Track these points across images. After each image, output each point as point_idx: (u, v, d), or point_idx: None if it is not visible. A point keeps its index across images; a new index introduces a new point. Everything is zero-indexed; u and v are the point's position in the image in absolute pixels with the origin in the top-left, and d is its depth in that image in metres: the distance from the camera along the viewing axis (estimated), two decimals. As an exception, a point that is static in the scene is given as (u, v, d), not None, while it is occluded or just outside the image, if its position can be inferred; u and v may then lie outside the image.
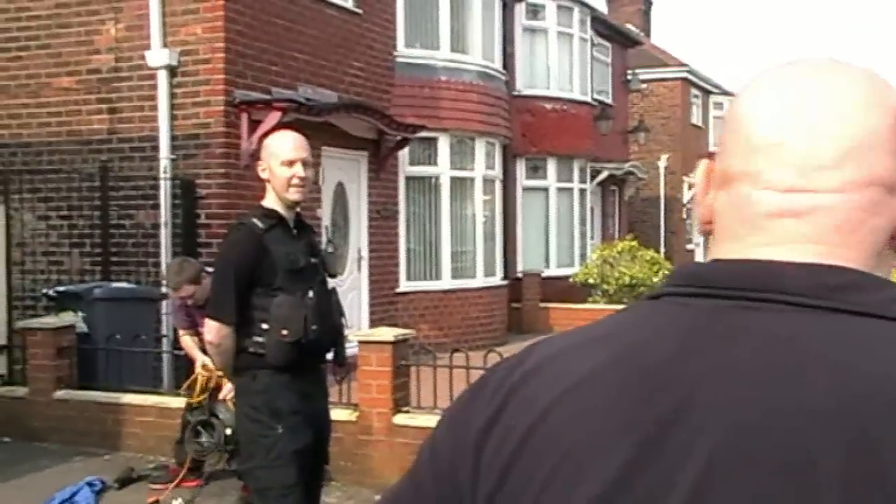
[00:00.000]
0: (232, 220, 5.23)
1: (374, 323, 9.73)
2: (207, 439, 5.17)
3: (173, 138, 8.23)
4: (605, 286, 13.19)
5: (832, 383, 0.62)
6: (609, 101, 17.30)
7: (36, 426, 6.58)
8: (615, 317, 0.76)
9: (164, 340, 7.43)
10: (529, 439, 0.68)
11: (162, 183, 8.12)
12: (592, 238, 16.37)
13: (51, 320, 6.82)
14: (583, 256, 14.96)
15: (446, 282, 11.42)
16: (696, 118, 23.85)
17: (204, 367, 5.08)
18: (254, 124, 8.25)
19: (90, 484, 5.35)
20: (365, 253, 10.27)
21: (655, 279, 12.90)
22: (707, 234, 0.76)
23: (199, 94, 8.19)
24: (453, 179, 11.56)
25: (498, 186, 12.61)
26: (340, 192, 10.00)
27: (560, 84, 14.56)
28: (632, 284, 12.91)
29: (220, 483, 5.45)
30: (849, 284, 0.67)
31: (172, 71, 8.22)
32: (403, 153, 10.76)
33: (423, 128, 10.50)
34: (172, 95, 8.23)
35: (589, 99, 15.45)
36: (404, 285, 10.92)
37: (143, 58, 8.29)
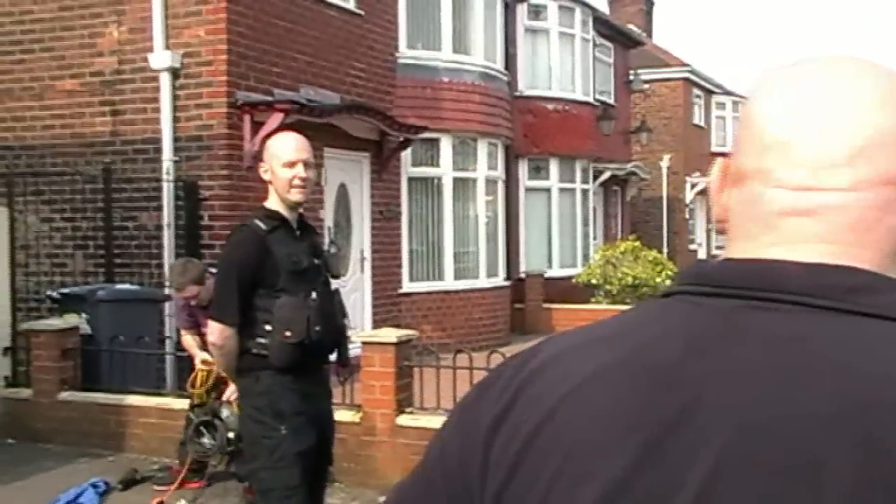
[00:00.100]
0: (235, 222, 5.24)
1: (377, 324, 9.73)
2: (209, 440, 5.18)
3: (176, 140, 8.24)
4: (607, 287, 13.19)
5: (840, 386, 0.61)
6: (611, 101, 17.30)
7: (40, 427, 6.60)
8: (625, 315, 0.75)
9: (168, 342, 7.44)
10: (536, 438, 0.68)
11: (165, 185, 8.14)
12: (595, 238, 16.36)
13: (55, 322, 6.83)
14: (585, 257, 14.95)
15: (449, 282, 11.42)
16: (698, 118, 23.83)
17: (203, 361, 5.11)
18: (256, 126, 8.26)
19: (94, 485, 5.37)
20: (368, 254, 10.28)
21: (658, 279, 12.90)
22: (722, 232, 0.75)
23: (202, 96, 8.20)
24: (456, 180, 11.57)
25: (500, 187, 12.61)
26: (343, 194, 10.00)
27: (562, 84, 14.55)
28: (635, 285, 12.91)
29: (222, 484, 5.46)
30: (861, 285, 0.66)
31: (175, 73, 8.23)
32: (406, 154, 10.76)
33: (425, 129, 10.51)
34: (175, 97, 8.24)
35: (591, 99, 15.44)
36: (407, 286, 10.92)
37: (145, 60, 8.30)
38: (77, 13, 8.65)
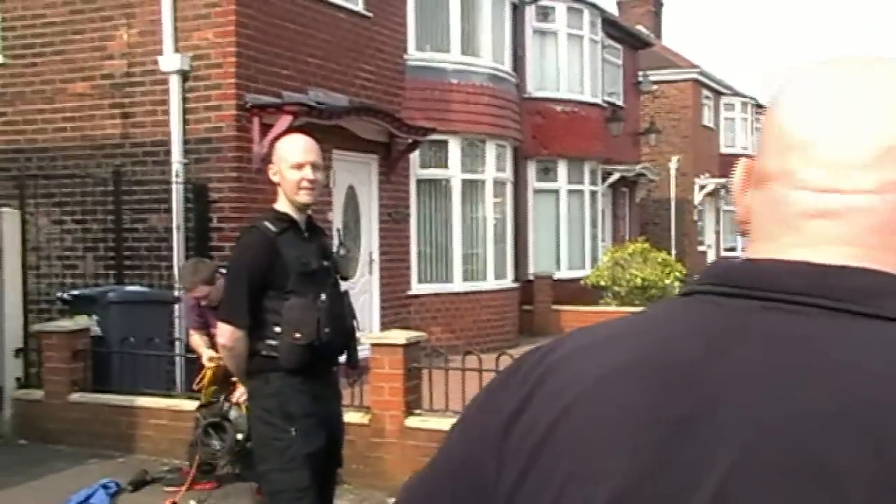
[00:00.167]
0: (244, 224, 5.26)
1: (385, 325, 9.74)
2: (218, 442, 5.19)
3: (185, 142, 8.28)
4: (616, 288, 13.16)
5: (858, 389, 0.61)
6: (620, 102, 17.28)
7: (51, 429, 6.64)
8: (646, 313, 0.75)
9: (178, 343, 7.47)
10: (551, 435, 0.68)
11: (174, 187, 8.18)
12: (603, 240, 16.33)
13: (65, 324, 6.87)
14: (594, 258, 14.93)
15: (458, 284, 11.43)
16: (707, 119, 23.78)
17: (210, 358, 5.13)
18: (265, 128, 8.29)
19: (105, 486, 5.39)
20: (376, 256, 10.30)
21: (667, 281, 12.87)
22: (744, 234, 0.75)
23: (211, 99, 8.24)
24: (464, 182, 11.57)
25: (509, 189, 12.61)
26: (351, 195, 10.02)
27: (570, 86, 14.54)
28: (643, 286, 12.88)
29: (232, 485, 5.47)
30: (883, 289, 0.65)
31: (184, 75, 8.27)
32: (414, 156, 10.78)
33: (433, 130, 10.52)
34: (184, 100, 8.28)
35: (600, 101, 15.42)
36: (416, 288, 10.93)
37: (155, 63, 8.35)
38: (87, 17, 8.70)
